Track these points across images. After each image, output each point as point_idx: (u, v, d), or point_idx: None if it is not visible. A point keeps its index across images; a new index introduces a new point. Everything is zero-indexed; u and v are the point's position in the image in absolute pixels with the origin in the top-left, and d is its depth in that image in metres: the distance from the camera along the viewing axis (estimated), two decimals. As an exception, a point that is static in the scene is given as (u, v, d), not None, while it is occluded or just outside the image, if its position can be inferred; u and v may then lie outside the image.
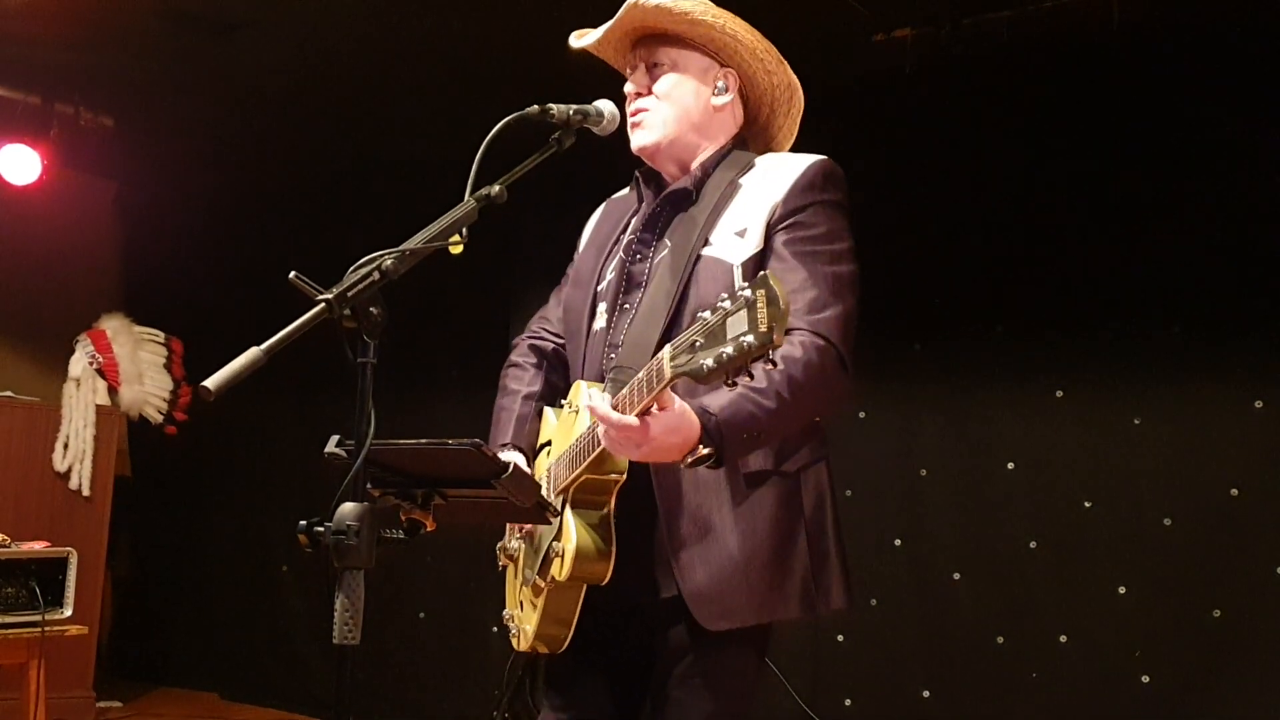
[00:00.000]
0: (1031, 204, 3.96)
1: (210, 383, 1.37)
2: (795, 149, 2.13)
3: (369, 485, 1.56)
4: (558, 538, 1.86)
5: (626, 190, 2.21)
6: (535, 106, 1.88)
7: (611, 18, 2.06)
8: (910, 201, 4.16)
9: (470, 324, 5.14)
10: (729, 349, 1.42)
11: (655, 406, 1.61)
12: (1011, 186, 4.00)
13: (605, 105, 2.00)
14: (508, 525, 2.19)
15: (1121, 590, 3.69)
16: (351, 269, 1.53)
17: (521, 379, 2.19)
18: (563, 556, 1.82)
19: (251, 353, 1.39)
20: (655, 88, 2.03)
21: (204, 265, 6.01)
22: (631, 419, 1.62)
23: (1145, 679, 3.61)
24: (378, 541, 1.47)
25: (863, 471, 4.10)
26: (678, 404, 1.64)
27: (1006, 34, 3.86)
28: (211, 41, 4.45)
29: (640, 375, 1.62)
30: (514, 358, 2.25)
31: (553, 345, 2.22)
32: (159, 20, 4.29)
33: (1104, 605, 3.70)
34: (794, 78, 2.10)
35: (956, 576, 3.99)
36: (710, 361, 1.44)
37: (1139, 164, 3.78)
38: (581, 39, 2.14)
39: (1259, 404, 3.55)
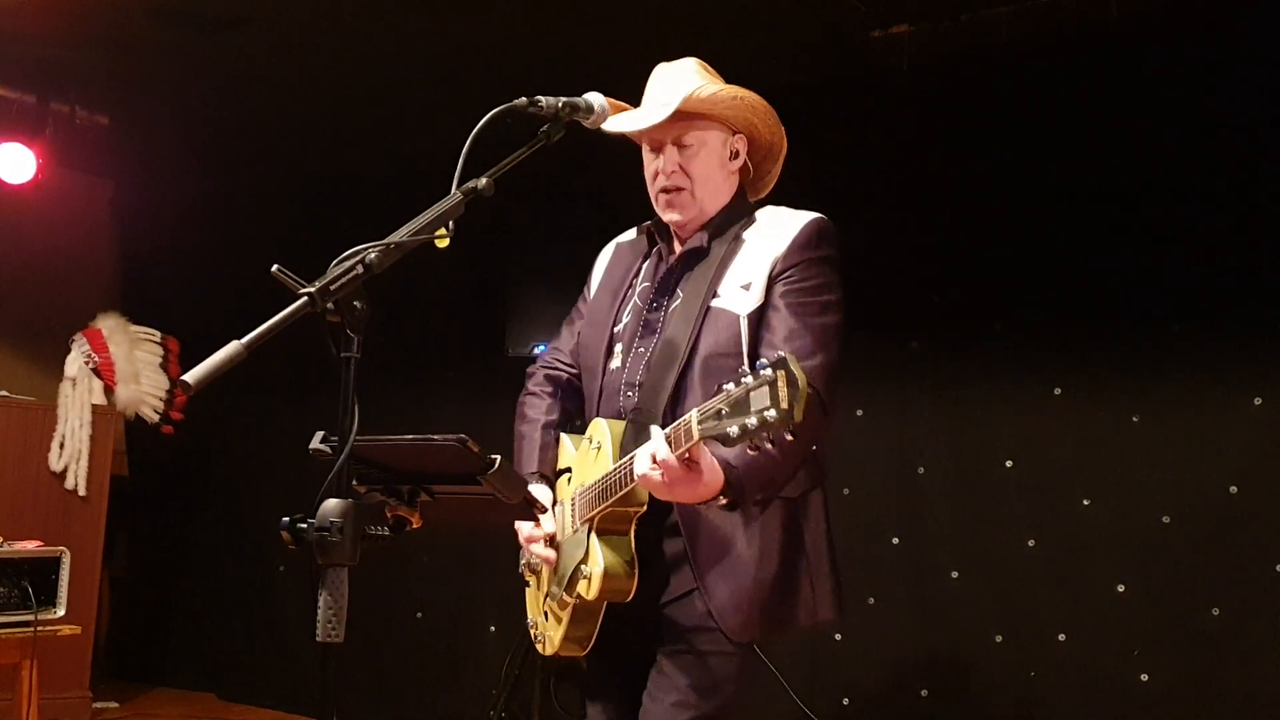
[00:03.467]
0: (1030, 200, 3.93)
1: (190, 376, 1.36)
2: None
3: (355, 481, 1.55)
4: (585, 561, 2.05)
5: (634, 234, 2.38)
6: (523, 99, 1.88)
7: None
8: (908, 198, 4.14)
9: (466, 327, 5.13)
10: (752, 420, 1.60)
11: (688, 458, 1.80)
12: (1010, 183, 3.98)
13: (594, 98, 2.00)
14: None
15: (1120, 588, 3.68)
16: (335, 262, 1.52)
17: (539, 407, 2.37)
18: (590, 578, 2.02)
19: (232, 346, 1.39)
20: (690, 170, 2.17)
21: (200, 264, 5.99)
22: (678, 467, 1.80)
23: (1144, 677, 3.60)
24: (362, 538, 1.47)
25: (860, 470, 4.08)
26: (707, 457, 1.82)
27: (1005, 29, 3.84)
28: (206, 39, 4.44)
29: (668, 432, 1.80)
30: (531, 386, 2.43)
31: (566, 375, 2.40)
32: (154, 18, 4.28)
33: (1103, 603, 3.69)
34: (782, 129, 2.26)
35: (954, 575, 3.98)
36: (735, 430, 1.63)
37: (1138, 160, 3.76)
38: (618, 124, 2.13)
39: (1258, 401, 3.54)
